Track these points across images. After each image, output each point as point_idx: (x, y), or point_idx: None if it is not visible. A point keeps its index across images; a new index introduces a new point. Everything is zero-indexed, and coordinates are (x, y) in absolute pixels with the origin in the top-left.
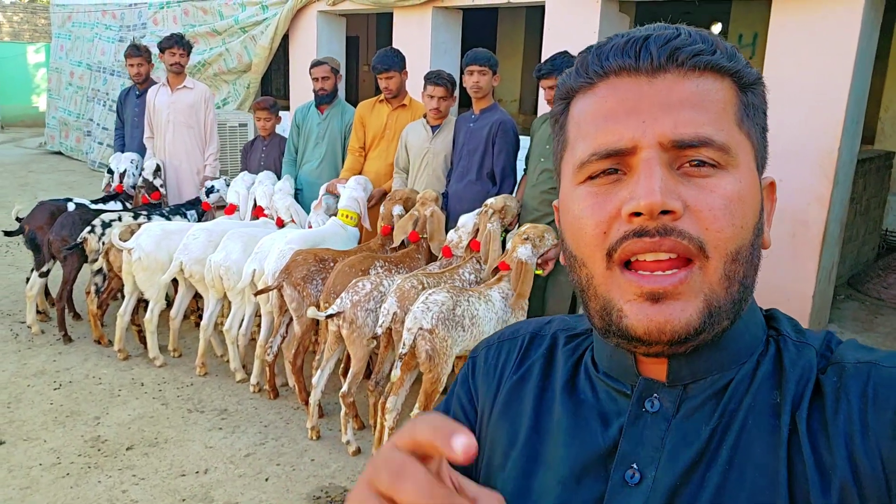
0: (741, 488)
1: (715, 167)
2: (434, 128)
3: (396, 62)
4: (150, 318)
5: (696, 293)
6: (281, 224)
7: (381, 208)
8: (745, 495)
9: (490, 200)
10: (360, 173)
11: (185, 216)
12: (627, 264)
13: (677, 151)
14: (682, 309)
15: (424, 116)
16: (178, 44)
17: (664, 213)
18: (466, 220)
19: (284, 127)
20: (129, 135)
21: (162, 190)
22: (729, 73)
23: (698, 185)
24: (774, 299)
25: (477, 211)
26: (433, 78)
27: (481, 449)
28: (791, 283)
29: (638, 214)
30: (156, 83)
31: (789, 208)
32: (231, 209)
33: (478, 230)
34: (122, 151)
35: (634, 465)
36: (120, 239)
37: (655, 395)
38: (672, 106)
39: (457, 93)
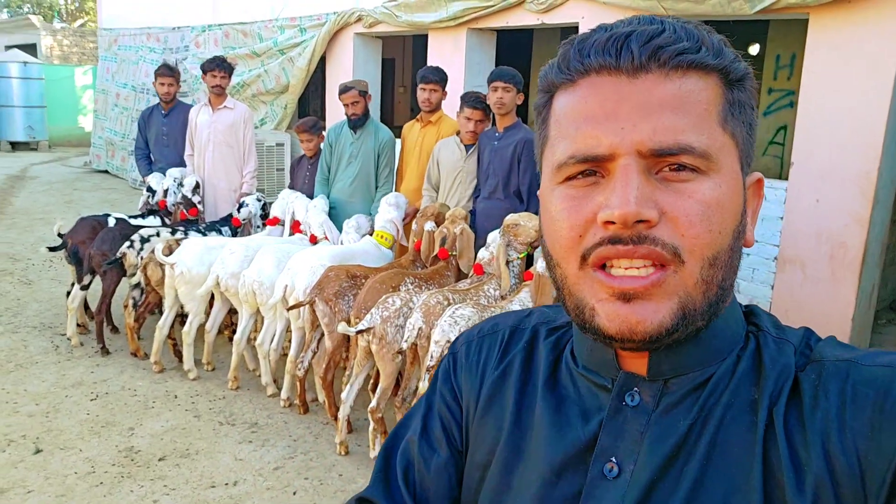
0: (717, 484)
1: (695, 171)
2: (468, 147)
3: (443, 77)
4: (189, 331)
5: (669, 295)
6: (314, 241)
7: (414, 224)
8: (721, 491)
9: (507, 217)
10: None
11: (221, 232)
12: (603, 266)
13: (656, 158)
14: (654, 310)
15: (457, 134)
16: (220, 66)
17: (639, 221)
18: (495, 236)
19: None
20: (157, 153)
21: (200, 206)
22: (715, 70)
23: (676, 191)
24: (813, 321)
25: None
26: (472, 101)
27: (466, 446)
28: (830, 305)
29: (613, 222)
30: (182, 103)
31: (827, 229)
32: (274, 221)
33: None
34: (149, 169)
35: (613, 459)
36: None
37: (636, 388)
38: (652, 110)
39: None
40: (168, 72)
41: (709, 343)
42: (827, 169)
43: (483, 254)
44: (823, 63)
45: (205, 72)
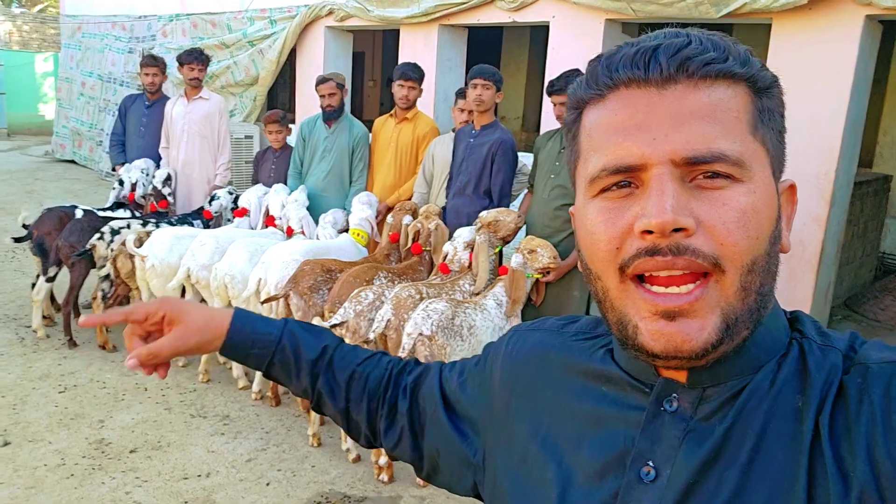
0: (760, 491)
1: (728, 178)
2: None
3: (421, 75)
4: None
5: (712, 308)
6: (290, 234)
7: (390, 218)
8: (763, 498)
9: (482, 213)
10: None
11: (192, 225)
12: (641, 278)
13: (690, 167)
14: (699, 327)
15: (453, 131)
16: (197, 59)
17: (677, 230)
18: (461, 232)
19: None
20: (132, 143)
21: (170, 199)
22: (743, 79)
23: (711, 199)
24: None
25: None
26: (465, 94)
27: (496, 438)
28: (787, 301)
29: (650, 232)
30: (166, 96)
31: None
32: (242, 212)
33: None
34: (122, 158)
35: (650, 463)
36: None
37: (674, 394)
38: (683, 120)
39: None
40: (152, 62)
41: (749, 352)
42: (787, 170)
43: (447, 248)
44: (785, 67)
45: (181, 64)
